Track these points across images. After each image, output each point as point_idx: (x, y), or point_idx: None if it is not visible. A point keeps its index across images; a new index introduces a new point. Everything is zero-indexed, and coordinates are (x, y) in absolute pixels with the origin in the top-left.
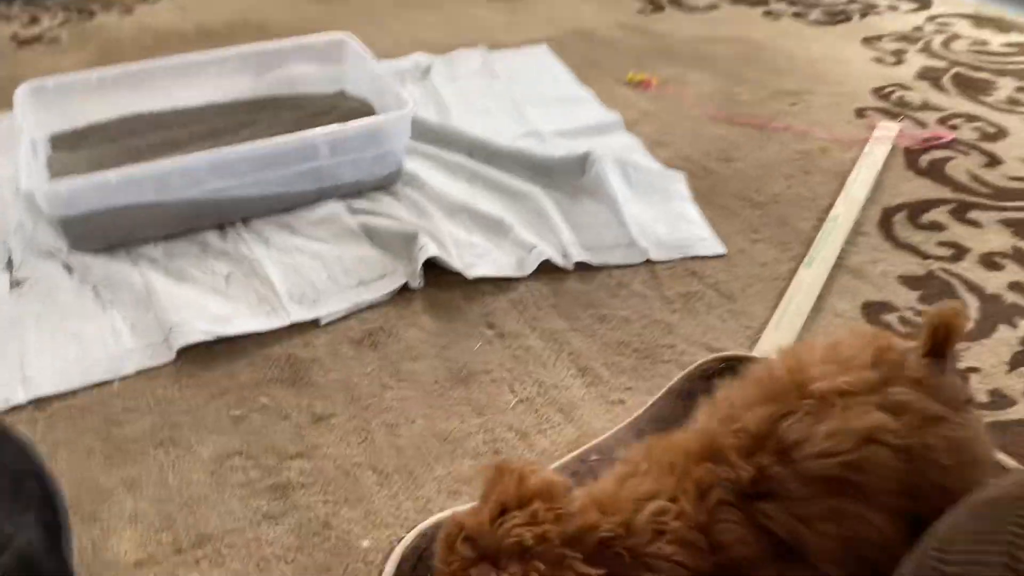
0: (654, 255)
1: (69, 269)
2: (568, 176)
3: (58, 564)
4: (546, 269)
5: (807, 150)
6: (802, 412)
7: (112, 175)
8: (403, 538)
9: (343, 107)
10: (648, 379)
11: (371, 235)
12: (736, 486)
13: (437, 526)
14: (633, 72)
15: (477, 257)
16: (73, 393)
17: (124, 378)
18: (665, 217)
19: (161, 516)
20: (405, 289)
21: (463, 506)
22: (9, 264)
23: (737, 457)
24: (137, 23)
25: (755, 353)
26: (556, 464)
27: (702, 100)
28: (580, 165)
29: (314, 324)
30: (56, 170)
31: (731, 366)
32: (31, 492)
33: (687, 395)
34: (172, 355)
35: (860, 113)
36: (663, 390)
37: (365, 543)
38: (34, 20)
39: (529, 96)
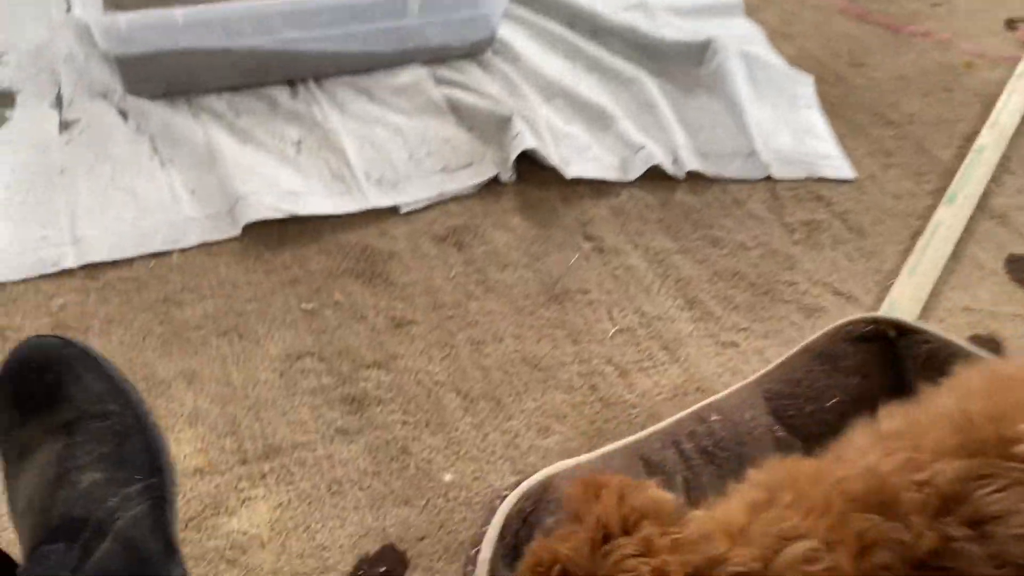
0: (776, 172)
1: (124, 115)
2: (683, 64)
3: (164, 545)
4: (653, 175)
5: (949, 63)
6: (1008, 479)
7: (179, 13)
8: (505, 496)
9: None
10: (764, 320)
11: (458, 112)
12: (909, 552)
13: (543, 487)
14: None
15: (576, 152)
16: (129, 262)
17: (184, 250)
18: (790, 127)
19: (224, 418)
20: (494, 182)
21: (561, 532)
22: (58, 101)
23: (918, 517)
24: None
25: (901, 314)
26: (670, 420)
27: None
28: (698, 53)
29: (393, 212)
30: None
31: (880, 331)
32: (135, 453)
33: (827, 358)
34: (237, 230)
35: (1010, 25)
36: (798, 347)
37: (448, 476)
38: None
39: None
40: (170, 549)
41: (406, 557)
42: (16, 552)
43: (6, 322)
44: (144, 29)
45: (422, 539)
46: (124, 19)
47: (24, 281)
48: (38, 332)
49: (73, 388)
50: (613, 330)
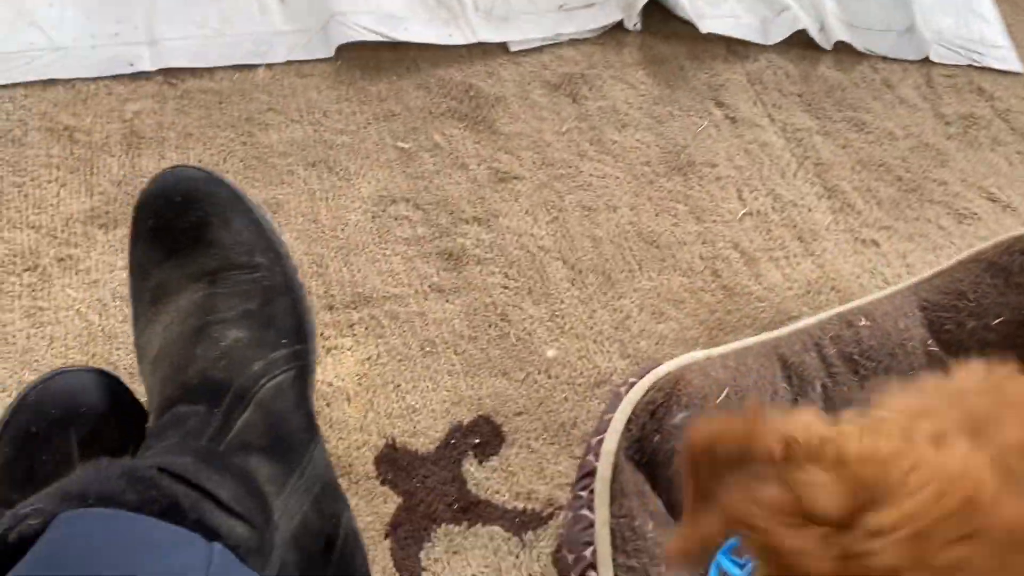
0: (934, 54)
1: None
2: None
3: (306, 421)
4: (796, 41)
5: None
6: None
7: None
8: (633, 384)
9: None
10: (910, 221)
11: None
12: None
13: (674, 379)
14: None
15: (712, 5)
16: (210, 72)
17: (271, 66)
18: (955, 6)
19: (311, 258)
20: (618, 28)
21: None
22: None
23: None
24: None
25: None
26: (813, 320)
27: None
28: None
29: (502, 49)
30: None
31: None
32: (282, 314)
33: (999, 271)
34: (331, 51)
35: None
36: (965, 255)
37: (551, 352)
38: None
39: None
40: (312, 425)
41: (502, 431)
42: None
43: (75, 123)
44: None
45: (519, 414)
46: None
47: (96, 80)
48: (109, 138)
49: (221, 232)
50: (742, 212)
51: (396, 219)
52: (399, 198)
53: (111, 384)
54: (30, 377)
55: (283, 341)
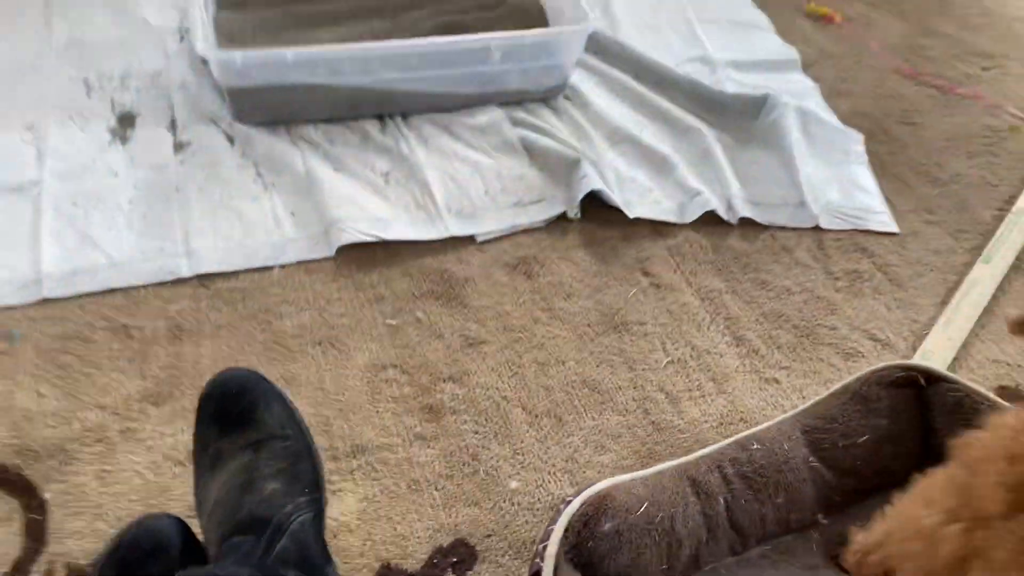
0: (824, 222)
1: (231, 140)
2: (740, 118)
3: (322, 548)
4: (707, 220)
5: (996, 127)
6: None
7: (289, 53)
8: (570, 502)
9: (511, 2)
10: (805, 361)
11: (531, 152)
12: None
13: (602, 496)
14: (815, 3)
15: (637, 195)
16: (235, 274)
17: (284, 266)
18: (839, 181)
19: (318, 419)
20: (563, 218)
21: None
22: (173, 124)
23: None
24: None
25: (933, 363)
26: (715, 447)
27: (887, 49)
28: (755, 107)
29: (470, 241)
30: (223, 30)
31: (911, 377)
32: (305, 471)
33: (861, 399)
34: (332, 251)
35: None
36: (836, 387)
37: (513, 484)
38: None
39: (702, 15)
40: (326, 552)
41: (475, 551)
42: None
43: (130, 321)
44: (256, 66)
45: (489, 536)
46: (240, 56)
47: (146, 286)
48: (156, 333)
49: (262, 413)
50: (666, 360)
51: (386, 382)
52: (388, 365)
53: (182, 526)
54: (102, 526)
55: (305, 490)
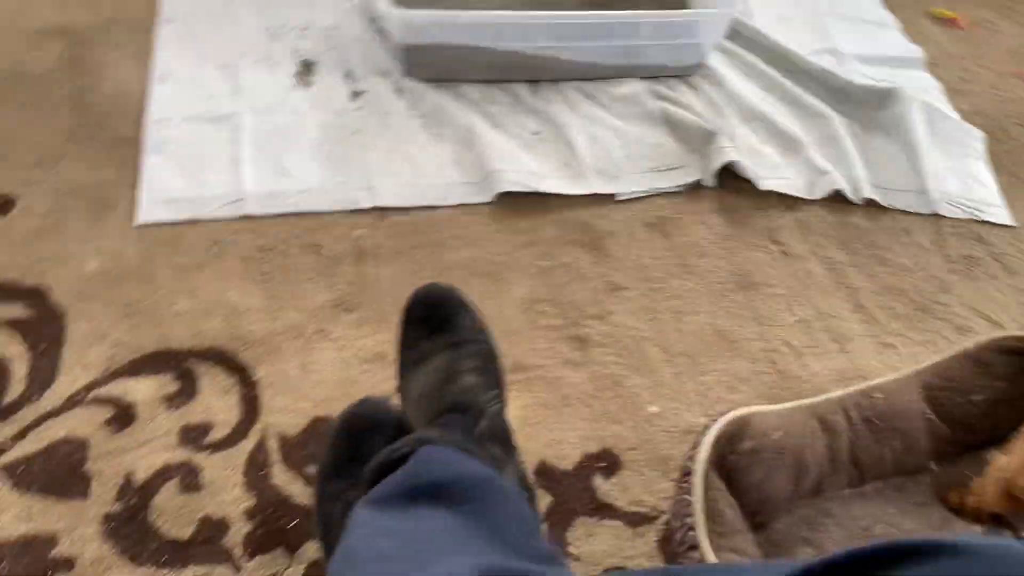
0: (943, 210)
1: (400, 92)
2: (867, 108)
3: (510, 435)
4: (834, 198)
5: None
6: None
7: (463, 16)
8: (717, 420)
9: None
10: (920, 331)
11: (670, 123)
12: None
13: (743, 420)
14: (941, 7)
15: (768, 169)
16: (408, 210)
17: (450, 207)
18: (958, 173)
19: None
20: (698, 185)
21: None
22: (349, 75)
23: None
24: None
25: None
26: (841, 392)
27: (1011, 55)
28: (881, 99)
29: (610, 198)
30: None
31: None
32: (493, 370)
33: (979, 363)
34: (489, 197)
35: None
36: (956, 350)
37: (653, 408)
38: None
39: (832, 11)
40: (511, 440)
41: (620, 460)
42: None
43: (320, 241)
44: (432, 25)
45: (632, 449)
46: (417, 15)
47: (331, 212)
48: (342, 252)
49: (459, 319)
50: (792, 320)
51: (540, 313)
52: (541, 299)
53: (392, 406)
54: (305, 405)
55: (495, 386)
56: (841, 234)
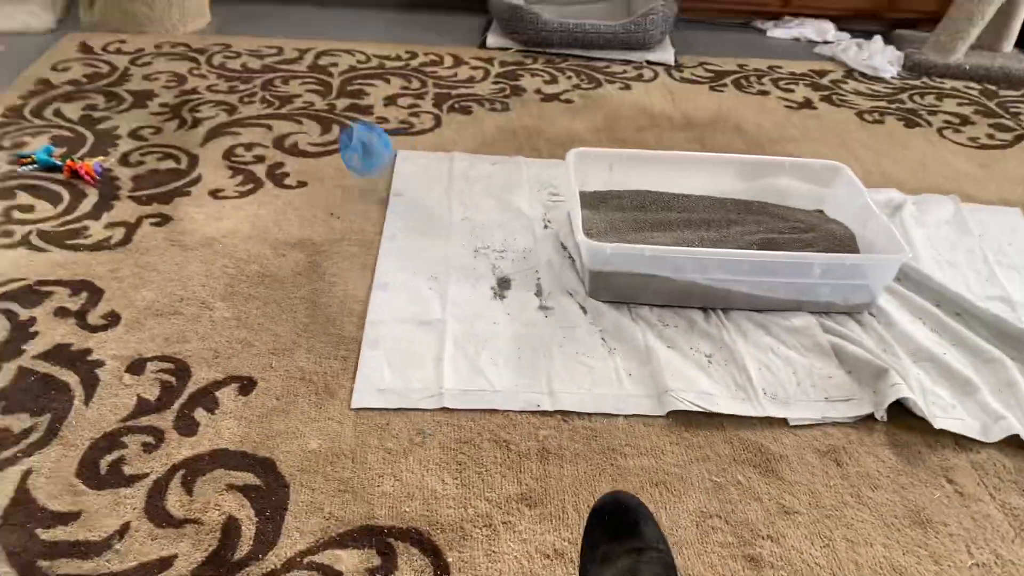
0: None
1: (584, 310)
2: None
3: None
4: (1011, 441)
5: None
6: None
7: (647, 249)
8: None
9: (823, 228)
10: None
11: (840, 356)
12: None
13: None
14: None
15: (940, 409)
16: (588, 415)
17: (626, 416)
18: None
19: None
20: (870, 418)
21: None
22: (538, 290)
23: None
24: (634, 100)
25: None
26: None
27: None
28: None
29: (783, 422)
30: (584, 225)
31: None
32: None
33: None
34: (663, 412)
35: None
36: None
37: None
38: (553, 79)
39: (1001, 259)
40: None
41: None
42: None
43: (507, 437)
44: (620, 255)
45: None
46: (609, 247)
47: (519, 412)
48: (528, 450)
49: (643, 527)
50: (971, 562)
51: (712, 529)
52: (714, 514)
53: None
54: None
55: None
56: (1021, 479)
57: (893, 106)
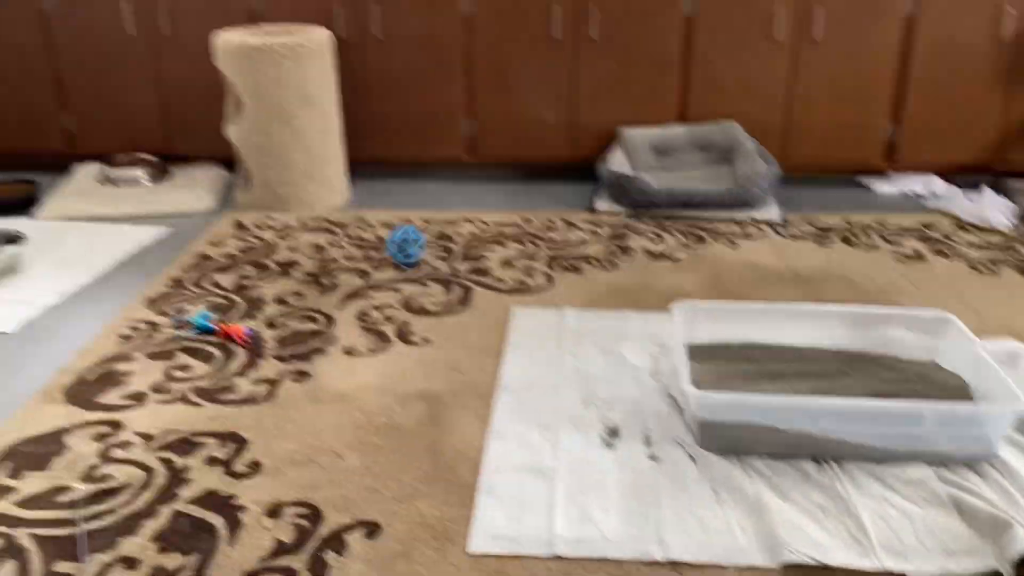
0: None
1: (693, 460)
2: None
3: None
4: None
5: None
6: None
7: (755, 399)
8: None
9: (936, 378)
10: None
11: (961, 508)
12: None
13: None
14: None
15: None
16: (700, 566)
17: (737, 567)
18: None
19: None
20: (995, 574)
21: None
22: (647, 440)
23: None
24: (741, 257)
25: None
26: None
27: None
28: None
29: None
30: (692, 376)
31: None
32: None
33: None
34: (775, 563)
35: None
36: None
37: None
38: (660, 237)
39: None
40: None
41: None
42: None
43: None
44: (728, 405)
45: None
46: (716, 397)
47: (629, 561)
48: None
49: None
50: None
51: None
52: None
53: None
54: None
55: None
56: None
57: (1008, 256)
